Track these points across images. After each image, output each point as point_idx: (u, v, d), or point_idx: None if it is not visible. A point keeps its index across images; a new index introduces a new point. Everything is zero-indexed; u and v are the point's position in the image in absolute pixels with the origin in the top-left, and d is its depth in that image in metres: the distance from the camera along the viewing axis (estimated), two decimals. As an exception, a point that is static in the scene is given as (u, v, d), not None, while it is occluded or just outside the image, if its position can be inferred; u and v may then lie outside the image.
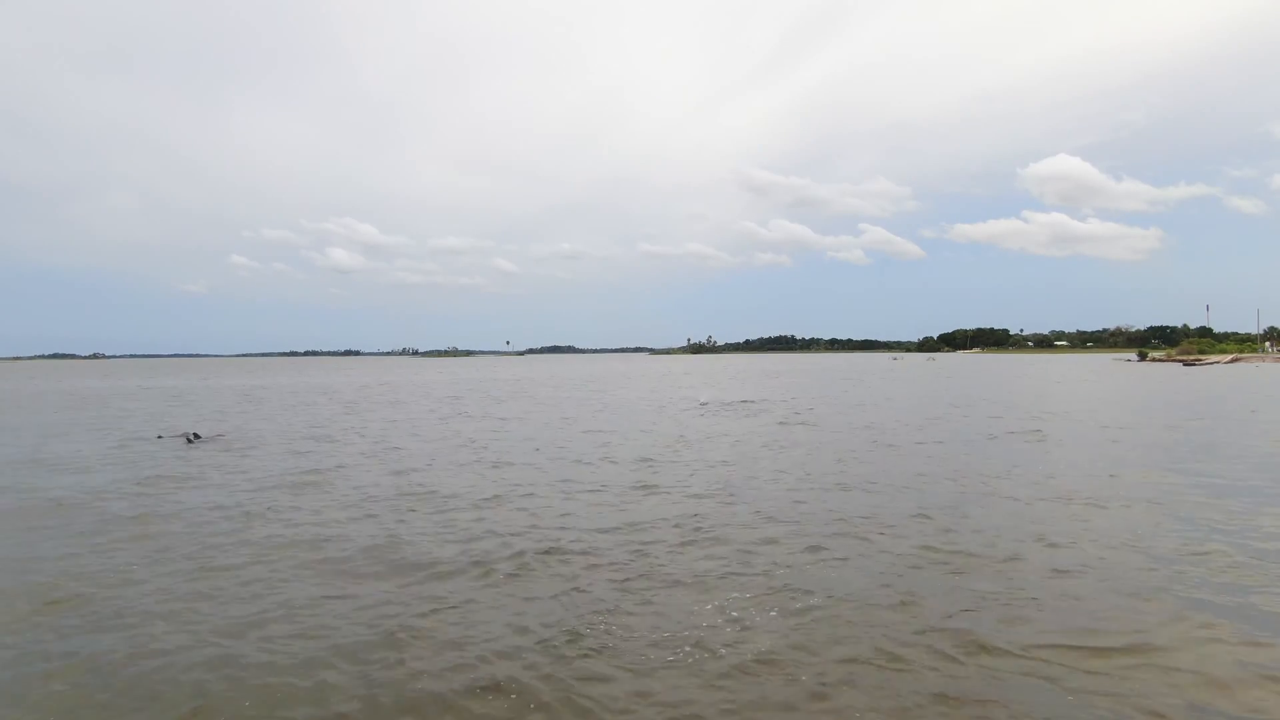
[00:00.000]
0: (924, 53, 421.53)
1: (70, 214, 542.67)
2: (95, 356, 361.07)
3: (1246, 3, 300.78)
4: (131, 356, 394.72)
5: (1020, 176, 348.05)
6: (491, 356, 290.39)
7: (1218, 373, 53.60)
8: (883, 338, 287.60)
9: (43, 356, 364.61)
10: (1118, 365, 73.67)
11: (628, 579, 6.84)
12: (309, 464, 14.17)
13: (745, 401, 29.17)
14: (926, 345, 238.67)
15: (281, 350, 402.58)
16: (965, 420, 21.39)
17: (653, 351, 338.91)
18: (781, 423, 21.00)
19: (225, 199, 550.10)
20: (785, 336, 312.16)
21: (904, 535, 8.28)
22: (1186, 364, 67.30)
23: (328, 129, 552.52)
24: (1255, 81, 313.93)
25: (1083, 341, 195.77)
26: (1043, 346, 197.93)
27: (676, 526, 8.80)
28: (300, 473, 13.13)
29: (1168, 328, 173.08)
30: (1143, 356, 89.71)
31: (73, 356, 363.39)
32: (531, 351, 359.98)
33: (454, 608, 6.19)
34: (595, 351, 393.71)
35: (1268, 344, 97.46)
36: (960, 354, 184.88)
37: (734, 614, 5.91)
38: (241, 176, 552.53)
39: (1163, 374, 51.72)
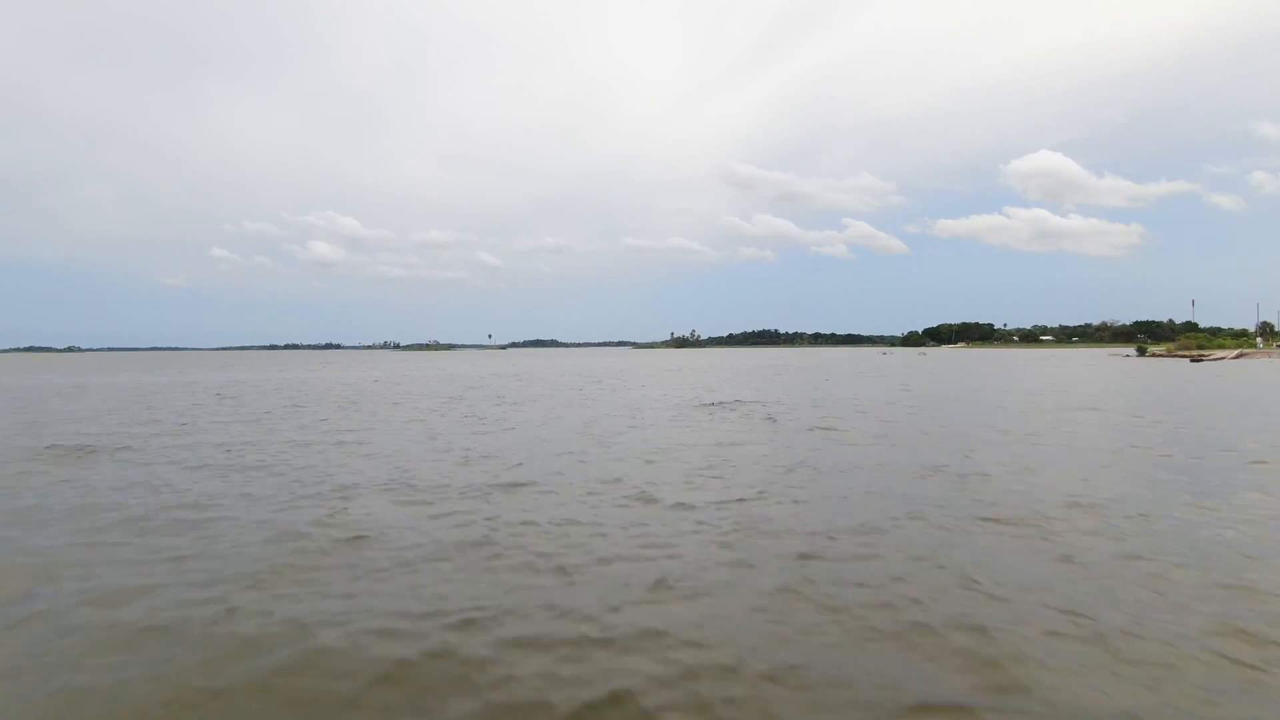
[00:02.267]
0: (907, 48, 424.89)
1: (46, 206, 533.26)
2: (70, 350, 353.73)
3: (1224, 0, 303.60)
4: (109, 350, 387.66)
5: (1003, 173, 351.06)
6: (474, 350, 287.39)
7: (1230, 368, 52.43)
8: (866, 332, 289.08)
9: (18, 350, 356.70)
10: (1122, 361, 71.60)
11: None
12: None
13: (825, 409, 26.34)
14: (912, 339, 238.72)
15: (261, 344, 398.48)
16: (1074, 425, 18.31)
17: (636, 345, 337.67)
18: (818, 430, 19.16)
19: (206, 191, 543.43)
20: (769, 331, 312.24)
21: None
22: (1193, 360, 65.91)
23: (309, 121, 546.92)
24: (1234, 78, 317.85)
25: (1068, 336, 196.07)
26: (1028, 341, 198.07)
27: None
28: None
29: (1154, 322, 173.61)
30: (1141, 352, 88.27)
31: (49, 349, 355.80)
32: (514, 345, 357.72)
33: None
34: (578, 346, 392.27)
35: (1259, 339, 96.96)
36: (946, 348, 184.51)
37: None
38: (222, 169, 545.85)
39: (1178, 370, 50.14)
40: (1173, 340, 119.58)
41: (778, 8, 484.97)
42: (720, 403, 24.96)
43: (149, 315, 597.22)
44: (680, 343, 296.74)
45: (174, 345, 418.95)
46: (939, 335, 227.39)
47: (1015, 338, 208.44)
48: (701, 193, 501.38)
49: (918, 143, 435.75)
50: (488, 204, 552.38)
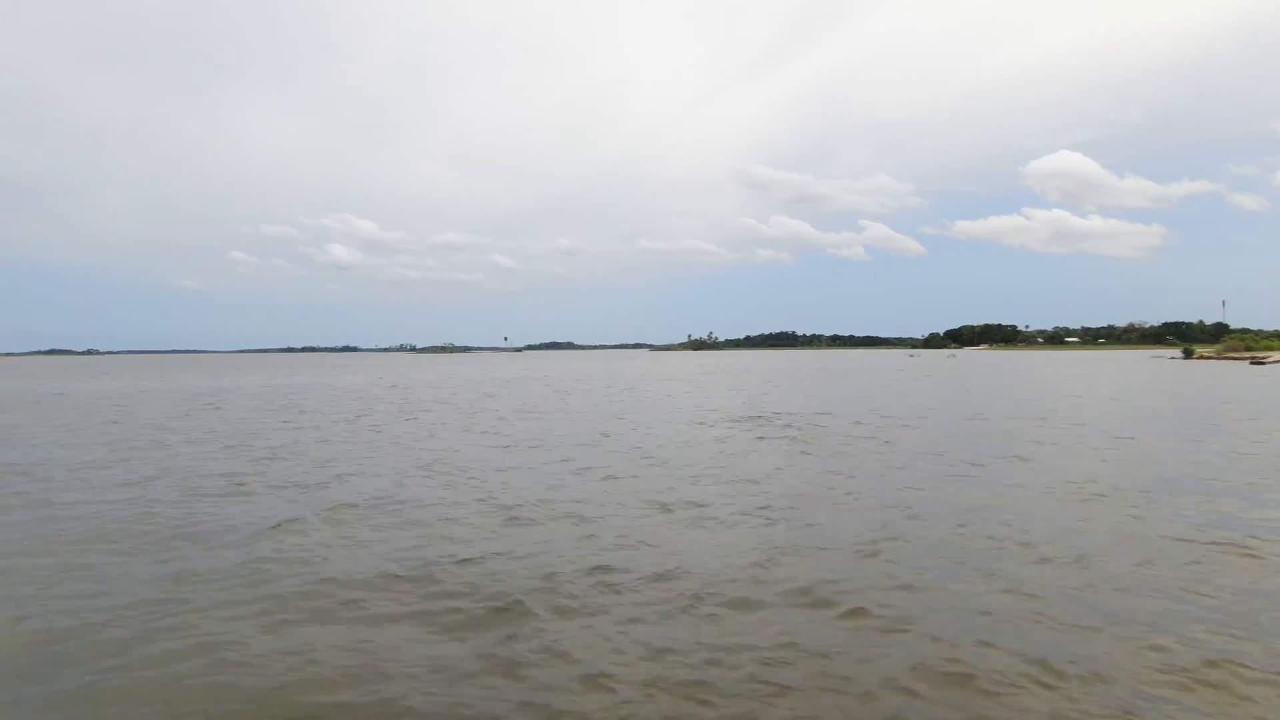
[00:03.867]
0: (922, 47, 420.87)
1: (66, 210, 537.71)
2: (89, 352, 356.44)
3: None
4: (128, 352, 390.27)
5: (1021, 173, 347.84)
6: (490, 353, 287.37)
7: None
8: (884, 334, 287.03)
9: (39, 353, 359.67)
10: (1176, 364, 69.04)
11: None
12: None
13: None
14: (933, 341, 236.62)
15: (279, 346, 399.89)
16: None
17: (653, 348, 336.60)
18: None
19: (224, 195, 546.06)
20: (786, 333, 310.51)
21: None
22: (1254, 362, 63.89)
23: (324, 125, 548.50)
24: (1255, 77, 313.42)
25: (1093, 338, 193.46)
26: (1053, 343, 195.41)
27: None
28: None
29: (1183, 324, 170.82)
30: (1188, 354, 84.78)
31: (68, 353, 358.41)
32: (530, 348, 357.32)
33: None
34: (594, 348, 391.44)
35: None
36: (970, 350, 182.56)
37: None
38: (239, 172, 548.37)
39: (1251, 374, 48.12)
40: (1206, 342, 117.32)
41: (791, 7, 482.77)
42: (816, 417, 23.90)
43: (167, 318, 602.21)
44: (698, 345, 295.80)
45: (191, 348, 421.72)
46: (960, 337, 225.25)
47: (1039, 339, 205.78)
48: (717, 194, 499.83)
49: (934, 143, 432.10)
50: (502, 206, 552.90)
